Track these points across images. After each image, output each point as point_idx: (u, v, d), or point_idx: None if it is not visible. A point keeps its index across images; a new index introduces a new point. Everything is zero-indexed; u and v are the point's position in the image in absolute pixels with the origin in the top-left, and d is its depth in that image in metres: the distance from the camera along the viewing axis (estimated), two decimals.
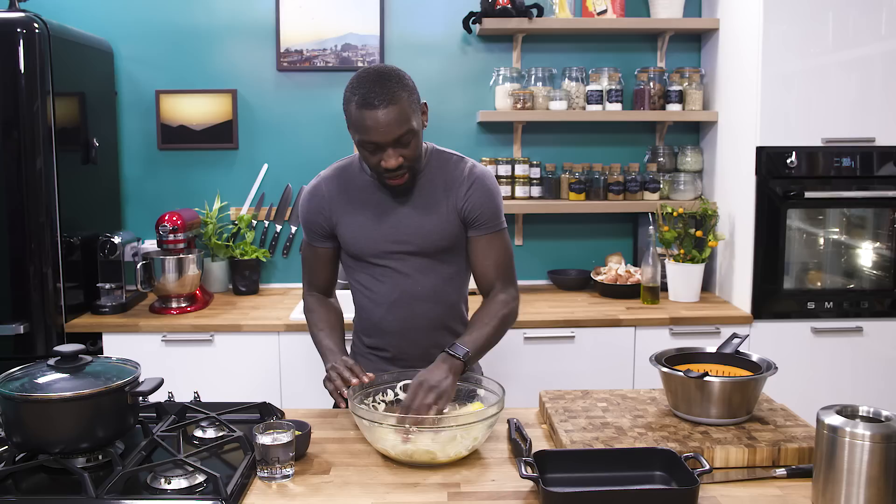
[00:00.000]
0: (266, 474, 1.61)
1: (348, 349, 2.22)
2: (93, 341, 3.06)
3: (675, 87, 3.46)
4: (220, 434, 1.80)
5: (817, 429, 1.48)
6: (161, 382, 1.70)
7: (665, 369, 1.81)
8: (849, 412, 1.49)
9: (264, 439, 1.61)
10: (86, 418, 1.60)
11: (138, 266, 3.09)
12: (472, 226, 2.04)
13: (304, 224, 2.12)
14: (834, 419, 1.45)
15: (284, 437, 1.61)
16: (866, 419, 1.47)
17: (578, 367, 3.06)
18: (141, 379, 1.71)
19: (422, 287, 2.04)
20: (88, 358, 1.70)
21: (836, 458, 1.43)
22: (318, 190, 2.08)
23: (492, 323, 1.99)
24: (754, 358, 1.88)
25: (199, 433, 1.82)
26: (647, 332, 3.07)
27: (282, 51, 3.54)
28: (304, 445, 1.73)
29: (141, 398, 1.69)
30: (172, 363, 3.00)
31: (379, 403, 1.85)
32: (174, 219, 3.17)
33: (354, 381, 1.80)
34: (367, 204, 2.02)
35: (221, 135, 3.57)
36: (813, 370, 3.12)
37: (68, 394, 1.58)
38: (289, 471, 1.62)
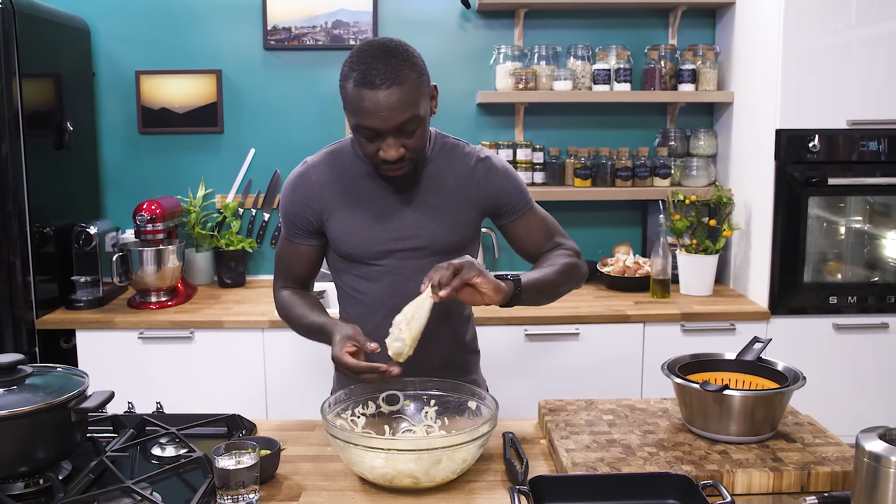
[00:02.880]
0: (227, 501, 1.41)
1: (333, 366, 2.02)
2: (66, 338, 2.89)
3: (688, 66, 3.25)
4: (180, 453, 1.61)
5: (857, 455, 1.28)
6: (111, 396, 1.51)
7: (679, 380, 1.61)
8: (893, 436, 1.29)
9: (225, 462, 1.42)
10: (23, 439, 1.41)
11: (114, 258, 2.90)
12: (502, 214, 1.85)
13: (285, 217, 1.84)
14: (876, 445, 1.25)
15: (248, 460, 1.42)
16: None
17: (583, 367, 2.87)
18: (89, 392, 1.52)
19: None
20: (28, 369, 1.51)
21: (880, 490, 1.23)
22: (306, 178, 1.81)
23: (551, 268, 1.77)
24: (779, 366, 1.69)
25: (157, 451, 1.64)
26: (657, 329, 2.87)
27: (269, 28, 3.33)
28: (272, 466, 1.54)
29: (91, 413, 1.50)
30: (149, 362, 2.82)
31: (358, 417, 1.66)
32: (152, 207, 2.98)
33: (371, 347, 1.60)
34: (366, 196, 1.78)
35: (206, 118, 3.37)
36: (834, 369, 2.93)
37: (2, 412, 1.39)
38: (253, 497, 1.43)
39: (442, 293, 1.54)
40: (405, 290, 1.77)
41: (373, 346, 1.59)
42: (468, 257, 1.60)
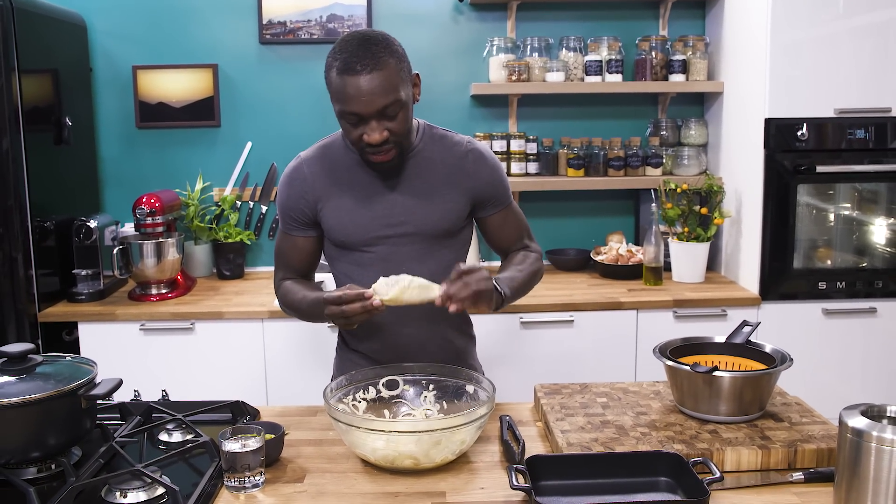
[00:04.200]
0: (234, 483, 1.47)
1: (334, 356, 2.06)
2: (68, 330, 2.93)
3: (679, 57, 3.29)
4: (187, 438, 1.66)
5: (840, 431, 1.33)
6: (119, 383, 1.55)
7: (670, 363, 1.66)
8: (875, 412, 1.35)
9: (231, 445, 1.47)
10: (35, 425, 1.46)
11: (115, 251, 2.94)
12: (484, 206, 1.90)
13: (282, 211, 1.90)
14: (858, 421, 1.31)
15: (253, 443, 1.48)
16: (895, 421, 1.33)
17: (578, 353, 2.92)
18: (98, 379, 1.56)
19: (418, 275, 1.86)
20: (38, 358, 1.55)
21: (862, 465, 1.29)
22: (300, 172, 1.87)
23: (526, 270, 1.87)
24: (767, 349, 1.74)
25: (164, 437, 1.68)
26: (650, 316, 2.92)
27: (264, 22, 3.36)
28: (276, 450, 1.59)
29: (100, 400, 1.54)
30: (151, 353, 2.86)
31: (360, 402, 1.70)
32: (152, 201, 3.02)
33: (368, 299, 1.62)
34: (356, 185, 1.83)
35: (202, 112, 3.40)
36: (823, 353, 2.99)
37: (14, 399, 1.43)
38: (259, 479, 1.48)
39: (452, 307, 1.62)
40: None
41: (366, 291, 1.63)
42: (490, 283, 1.65)
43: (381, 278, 1.65)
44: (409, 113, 1.73)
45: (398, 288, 1.63)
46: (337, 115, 1.72)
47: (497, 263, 3.49)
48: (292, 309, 1.91)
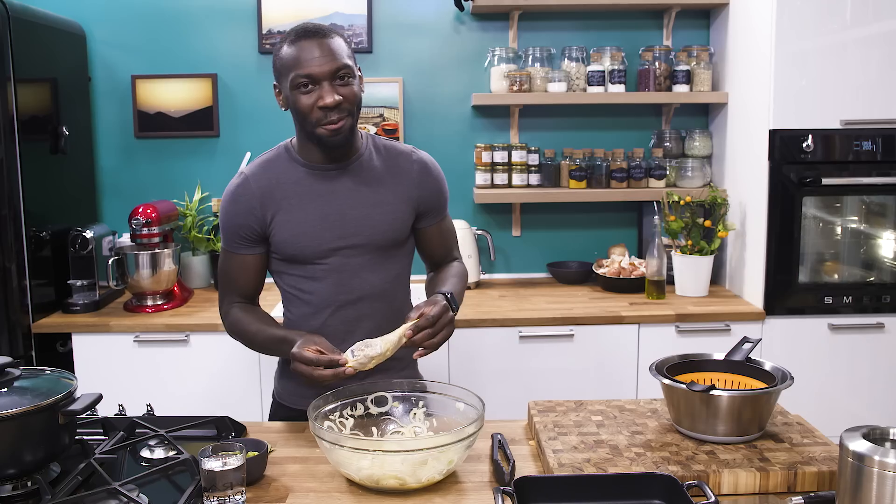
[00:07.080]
0: (214, 503, 1.42)
1: (276, 368, 2.02)
2: (62, 342, 2.90)
3: (683, 67, 3.25)
4: (169, 455, 1.62)
5: (841, 454, 1.28)
6: (98, 398, 1.52)
7: (666, 381, 1.61)
8: (877, 435, 1.30)
9: (211, 464, 1.42)
10: (10, 442, 1.42)
11: (110, 262, 2.91)
12: (426, 216, 1.91)
13: (227, 229, 1.84)
14: (860, 444, 1.25)
15: (234, 461, 1.43)
16: None
17: (577, 369, 2.87)
18: (77, 394, 1.52)
19: (370, 286, 1.84)
20: (16, 372, 1.51)
21: (863, 490, 1.23)
22: (246, 188, 1.82)
23: (461, 283, 1.89)
24: (767, 366, 1.69)
25: (146, 453, 1.64)
26: (652, 330, 2.87)
27: (264, 32, 3.34)
28: (259, 468, 1.55)
29: (82, 414, 1.50)
30: (145, 365, 2.82)
31: (347, 419, 1.66)
32: (148, 211, 2.99)
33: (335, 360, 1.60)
34: (305, 197, 1.81)
35: (201, 122, 3.38)
36: (830, 369, 2.92)
37: None
38: (239, 498, 1.43)
39: (418, 354, 1.65)
40: (350, 287, 1.83)
41: (340, 356, 1.60)
42: (453, 325, 1.69)
43: (357, 343, 1.64)
44: (359, 88, 1.76)
45: (372, 360, 1.62)
46: (289, 88, 1.73)
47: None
48: (243, 339, 1.87)
